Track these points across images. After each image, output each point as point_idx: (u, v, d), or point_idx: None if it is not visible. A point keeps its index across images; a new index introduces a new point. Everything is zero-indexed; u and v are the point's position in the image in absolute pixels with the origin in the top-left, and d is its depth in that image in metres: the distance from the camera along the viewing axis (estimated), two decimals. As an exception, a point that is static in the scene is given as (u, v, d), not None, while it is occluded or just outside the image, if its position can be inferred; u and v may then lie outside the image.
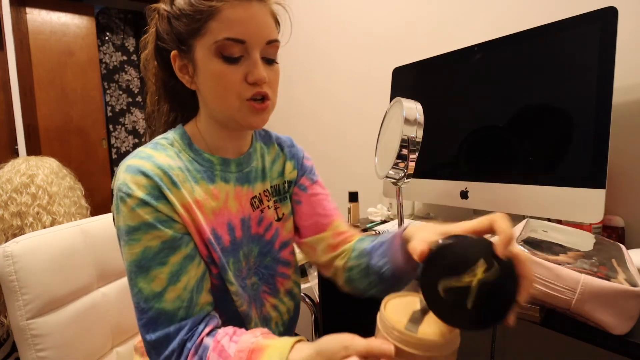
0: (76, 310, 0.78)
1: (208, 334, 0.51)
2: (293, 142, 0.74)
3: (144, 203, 0.51)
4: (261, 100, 0.55)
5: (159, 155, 0.55)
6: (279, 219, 0.68)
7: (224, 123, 0.59)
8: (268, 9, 0.55)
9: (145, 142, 0.66)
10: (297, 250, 0.75)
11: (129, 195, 0.51)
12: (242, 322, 0.60)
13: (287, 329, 0.70)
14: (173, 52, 0.56)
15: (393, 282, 0.58)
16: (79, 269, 0.81)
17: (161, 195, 0.52)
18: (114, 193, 0.53)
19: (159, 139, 0.60)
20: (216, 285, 0.58)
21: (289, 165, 0.71)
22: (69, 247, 0.79)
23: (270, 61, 0.56)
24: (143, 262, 0.50)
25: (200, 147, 0.60)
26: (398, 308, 0.40)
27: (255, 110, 0.55)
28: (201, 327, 0.51)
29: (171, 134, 0.60)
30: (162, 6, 0.57)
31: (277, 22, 0.59)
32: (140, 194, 0.51)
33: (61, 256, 0.77)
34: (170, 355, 0.49)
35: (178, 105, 0.65)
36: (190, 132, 0.61)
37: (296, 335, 0.58)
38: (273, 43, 0.55)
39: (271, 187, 0.68)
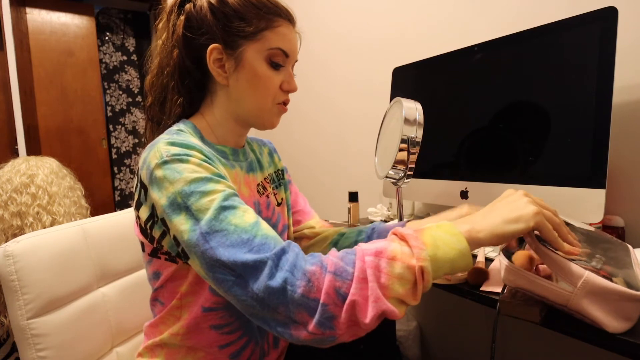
0: (76, 310, 0.78)
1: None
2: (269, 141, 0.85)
3: (207, 161, 0.52)
4: (284, 105, 0.66)
5: (188, 137, 0.56)
6: (278, 204, 0.75)
7: (244, 118, 0.65)
8: (298, 35, 0.67)
9: (146, 135, 0.68)
10: None
11: (190, 155, 0.51)
12: None
13: None
14: (213, 45, 0.59)
15: None
16: (80, 268, 0.80)
17: (213, 163, 0.54)
18: (156, 164, 0.50)
19: (174, 129, 0.59)
20: None
21: (276, 157, 0.82)
22: (69, 247, 0.79)
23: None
24: (228, 201, 0.49)
25: (210, 140, 0.64)
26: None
27: (280, 112, 0.66)
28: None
29: (183, 127, 0.60)
30: None
31: None
32: (200, 156, 0.52)
33: (62, 256, 0.77)
34: (291, 255, 0.46)
35: (190, 99, 0.65)
36: (199, 126, 0.63)
37: None
38: (295, 62, 0.67)
39: (268, 175, 0.76)
